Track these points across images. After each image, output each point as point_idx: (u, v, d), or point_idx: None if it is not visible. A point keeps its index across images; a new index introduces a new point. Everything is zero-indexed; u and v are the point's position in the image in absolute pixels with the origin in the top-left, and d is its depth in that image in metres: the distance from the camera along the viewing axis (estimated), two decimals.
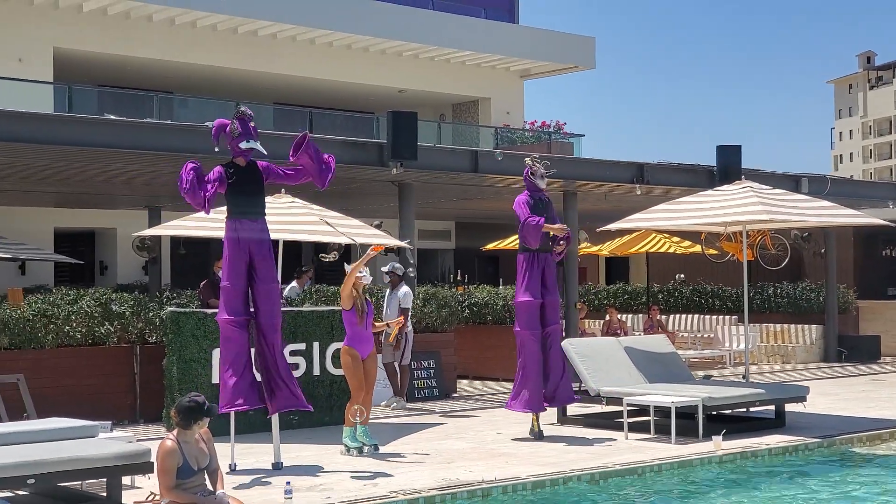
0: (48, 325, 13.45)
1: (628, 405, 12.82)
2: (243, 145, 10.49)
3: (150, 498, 8.40)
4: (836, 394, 17.18)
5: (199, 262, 23.46)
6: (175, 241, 24.62)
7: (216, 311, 11.25)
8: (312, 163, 10.58)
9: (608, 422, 13.48)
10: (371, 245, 11.83)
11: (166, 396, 13.10)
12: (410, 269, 16.22)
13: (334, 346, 13.72)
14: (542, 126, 34.45)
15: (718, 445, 11.68)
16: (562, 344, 14.20)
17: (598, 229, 17.15)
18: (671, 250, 24.80)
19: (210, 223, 12.43)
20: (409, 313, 15.64)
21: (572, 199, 20.04)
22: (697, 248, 23.32)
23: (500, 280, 25.56)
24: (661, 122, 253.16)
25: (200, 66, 29.21)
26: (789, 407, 13.73)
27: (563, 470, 10.51)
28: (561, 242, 12.61)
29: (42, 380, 12.93)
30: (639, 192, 19.91)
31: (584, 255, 26.04)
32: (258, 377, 10.64)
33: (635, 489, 10.35)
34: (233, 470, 10.36)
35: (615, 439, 12.52)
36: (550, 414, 13.48)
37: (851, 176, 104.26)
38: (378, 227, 14.69)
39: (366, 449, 11.45)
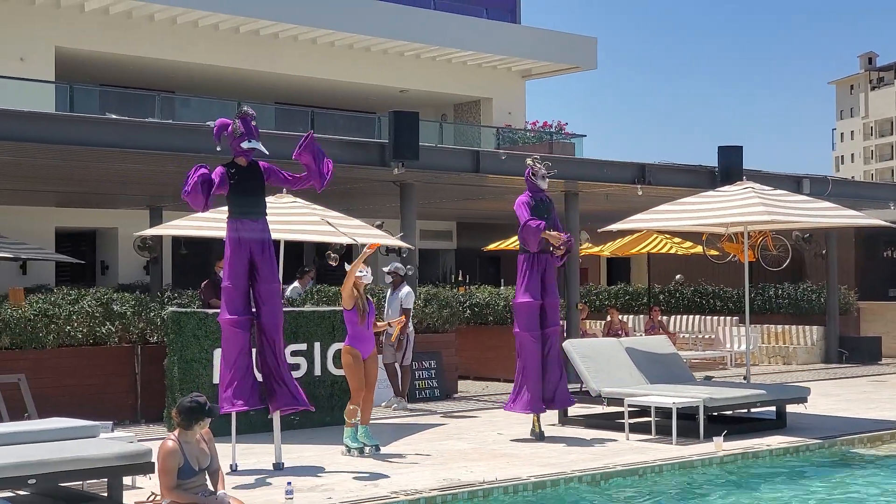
0: (49, 325, 13.46)
1: (629, 406, 12.82)
2: (245, 145, 10.48)
3: (151, 498, 8.40)
4: (837, 395, 17.17)
5: (200, 262, 23.44)
6: (176, 240, 24.60)
7: (217, 311, 11.25)
8: (313, 162, 10.57)
9: (609, 422, 13.47)
10: (367, 244, 11.82)
11: (167, 396, 13.10)
12: (410, 268, 16.21)
13: (335, 346, 13.72)
14: (544, 126, 34.45)
15: (719, 446, 11.68)
16: (563, 345, 14.22)
17: (599, 230, 17.15)
18: (672, 251, 24.79)
19: (211, 223, 12.46)
20: (411, 313, 15.63)
21: (574, 199, 20.04)
22: (699, 248, 23.29)
23: (502, 280, 25.55)
24: (662, 123, 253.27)
25: (202, 65, 29.22)
26: (790, 408, 13.73)
27: (564, 471, 10.51)
28: (560, 248, 12.60)
29: (43, 380, 12.92)
30: (640, 193, 19.91)
31: (586, 256, 26.05)
32: (259, 377, 10.65)
33: (636, 490, 10.35)
34: (234, 470, 10.36)
35: (616, 440, 12.52)
36: (551, 415, 13.47)
37: (853, 177, 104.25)
38: (379, 227, 14.69)
39: (367, 449, 11.44)
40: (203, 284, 15.22)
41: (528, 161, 12.91)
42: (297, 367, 13.23)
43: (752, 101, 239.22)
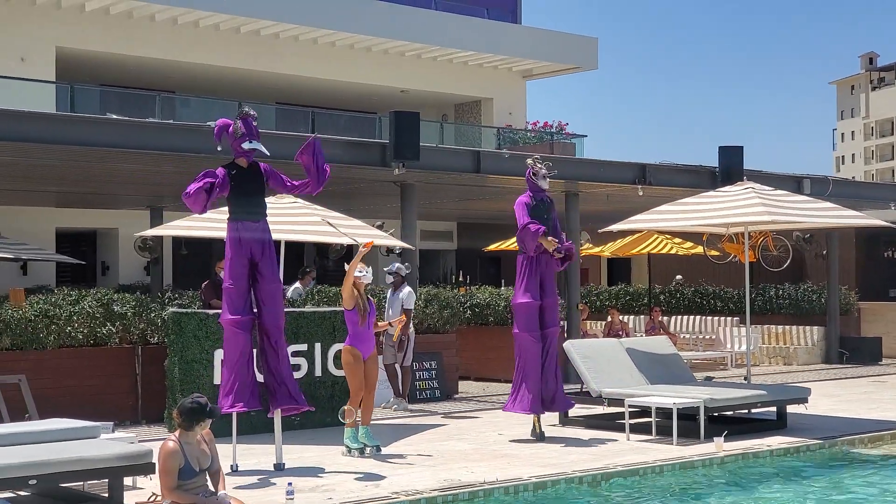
0: (50, 326, 13.45)
1: (630, 406, 12.82)
2: (246, 146, 10.48)
3: (151, 498, 8.40)
4: (837, 395, 17.17)
5: (200, 262, 23.46)
6: (177, 241, 24.61)
7: (218, 311, 11.25)
8: (313, 164, 10.58)
9: (610, 423, 13.47)
10: (362, 243, 11.80)
11: (168, 397, 13.10)
12: (407, 265, 16.18)
13: (336, 346, 13.72)
14: (545, 126, 34.44)
15: (720, 447, 11.68)
16: (563, 345, 14.23)
17: (599, 230, 17.16)
18: (673, 251, 24.79)
19: (212, 224, 12.47)
20: (412, 314, 15.63)
21: (574, 199, 20.04)
22: (699, 249, 23.31)
23: (502, 281, 25.54)
24: (663, 123, 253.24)
25: (203, 65, 29.21)
26: (791, 408, 13.74)
27: (564, 471, 10.51)
28: (561, 251, 12.60)
29: (44, 380, 12.92)
30: (641, 193, 19.91)
31: (586, 257, 26.04)
32: (260, 378, 10.65)
33: (637, 491, 10.34)
34: (234, 471, 10.37)
35: (617, 440, 12.52)
36: (552, 415, 13.47)
37: (853, 177, 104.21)
38: (380, 227, 14.70)
39: (368, 450, 11.45)
40: (204, 285, 15.22)
41: (529, 161, 12.91)
42: (297, 367, 13.22)
43: (753, 101, 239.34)
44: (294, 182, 10.75)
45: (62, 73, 26.86)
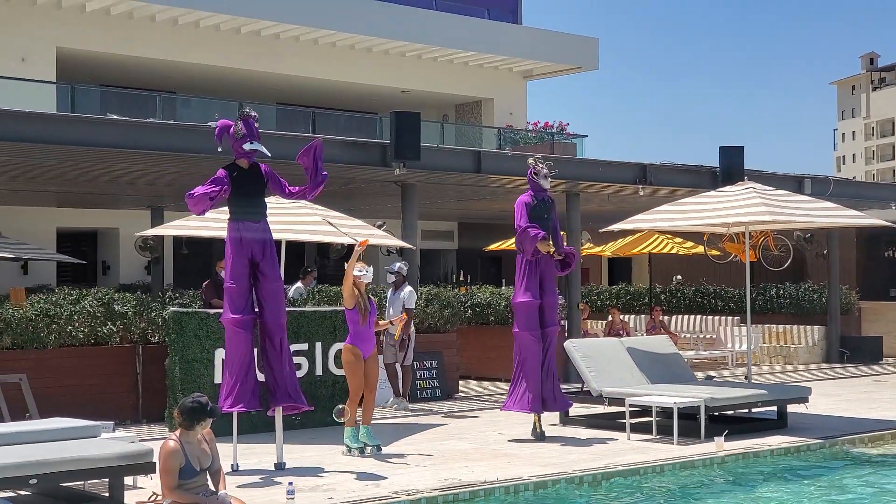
0: (51, 325, 13.46)
1: (630, 406, 12.81)
2: (247, 147, 10.48)
3: (152, 498, 8.40)
4: (838, 395, 17.17)
5: (201, 261, 23.47)
6: (177, 240, 24.61)
7: (219, 311, 11.24)
8: (312, 166, 10.58)
9: (610, 422, 13.47)
10: (358, 241, 11.80)
11: (169, 396, 13.10)
12: (405, 263, 16.16)
13: (337, 346, 13.71)
14: (545, 127, 34.43)
15: (720, 446, 11.68)
16: (564, 344, 14.23)
17: (600, 230, 17.18)
18: (674, 251, 24.79)
19: (212, 223, 12.47)
20: (413, 313, 15.63)
21: (575, 199, 20.03)
22: (700, 249, 23.31)
23: (503, 280, 25.54)
24: (664, 123, 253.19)
25: (203, 66, 29.21)
26: (791, 408, 13.73)
27: (565, 470, 10.51)
28: (561, 254, 12.60)
29: (44, 380, 12.91)
30: (641, 193, 19.91)
31: (587, 256, 26.03)
32: (261, 378, 10.66)
33: (637, 490, 10.34)
34: (235, 470, 10.37)
35: (617, 440, 12.52)
36: (552, 415, 13.46)
37: (854, 177, 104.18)
38: (381, 227, 14.69)
39: (368, 449, 11.45)
40: (204, 284, 15.23)
41: (530, 161, 12.90)
42: (298, 367, 13.21)
43: (754, 101, 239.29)
44: (292, 189, 10.75)
45: (62, 73, 26.86)
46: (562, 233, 13.62)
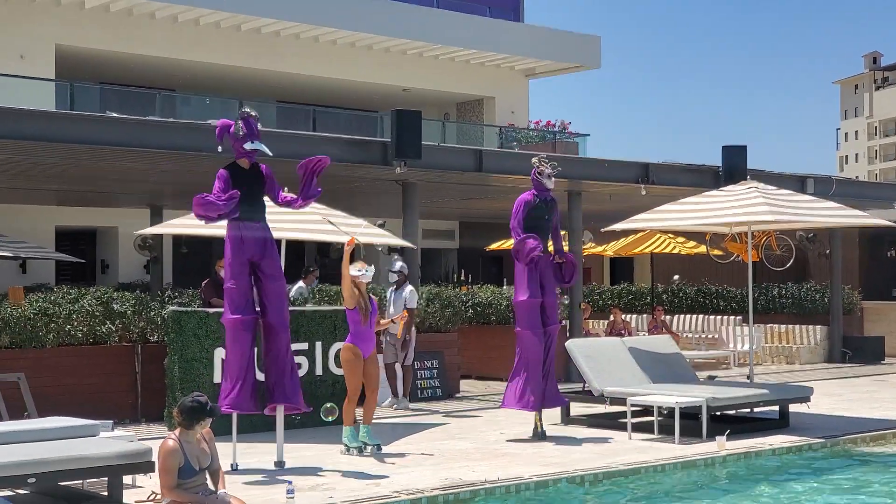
0: (49, 324, 13.42)
1: (632, 405, 12.78)
2: (248, 146, 10.42)
3: (151, 497, 8.37)
4: (840, 394, 17.14)
5: (200, 260, 23.45)
6: (177, 239, 24.59)
7: (218, 310, 11.19)
8: (308, 181, 10.54)
9: (612, 422, 13.43)
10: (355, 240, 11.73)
11: (168, 396, 13.06)
12: (397, 258, 16.10)
13: (337, 345, 13.67)
14: (547, 125, 34.39)
15: (722, 446, 11.64)
16: (566, 344, 14.19)
17: (602, 229, 17.13)
18: (676, 251, 24.76)
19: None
20: (414, 312, 15.59)
21: (577, 199, 20.01)
22: (702, 248, 23.27)
23: (504, 280, 25.53)
24: (666, 122, 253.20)
25: (203, 63, 29.17)
26: (793, 407, 13.70)
27: (566, 470, 10.47)
28: (562, 258, 12.58)
29: (43, 379, 12.88)
30: (644, 192, 19.87)
31: (589, 256, 26.01)
32: (261, 378, 10.61)
33: (639, 490, 10.30)
34: (234, 469, 10.33)
35: (618, 439, 12.48)
36: (554, 414, 13.43)
37: (857, 177, 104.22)
38: (381, 226, 14.66)
39: (368, 449, 11.41)
40: (204, 283, 15.19)
41: (535, 160, 12.84)
42: (298, 366, 13.15)
43: (757, 100, 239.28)
44: (286, 197, 10.71)
45: (62, 70, 26.82)
46: (563, 232, 13.57)
